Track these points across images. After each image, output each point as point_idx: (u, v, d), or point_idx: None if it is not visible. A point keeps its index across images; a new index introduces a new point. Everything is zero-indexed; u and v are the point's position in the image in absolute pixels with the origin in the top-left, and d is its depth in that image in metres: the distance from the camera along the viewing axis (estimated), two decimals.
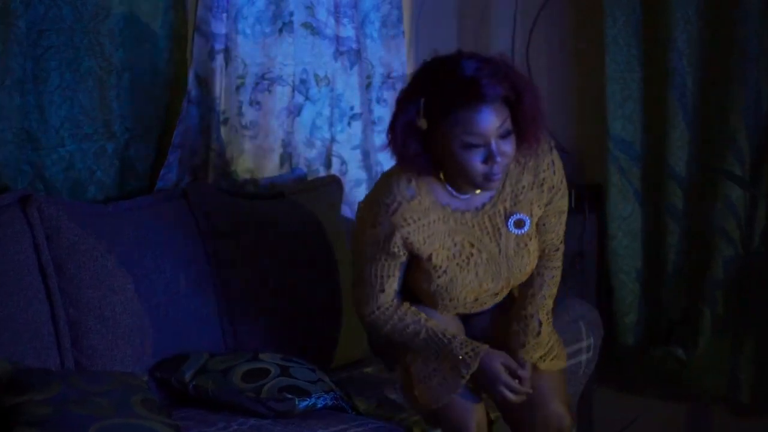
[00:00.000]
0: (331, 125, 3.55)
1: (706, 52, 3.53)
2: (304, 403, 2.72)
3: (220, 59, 3.23)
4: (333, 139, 3.56)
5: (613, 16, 3.58)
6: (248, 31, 3.33)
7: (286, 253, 3.15)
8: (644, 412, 3.73)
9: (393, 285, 2.60)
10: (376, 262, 2.56)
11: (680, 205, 3.58)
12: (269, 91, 3.38)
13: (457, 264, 2.57)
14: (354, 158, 3.63)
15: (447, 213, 2.54)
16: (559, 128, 3.80)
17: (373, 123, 3.68)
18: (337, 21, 3.51)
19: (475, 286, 2.59)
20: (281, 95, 3.40)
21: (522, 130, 2.43)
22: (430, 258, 2.55)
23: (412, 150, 2.45)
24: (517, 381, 2.61)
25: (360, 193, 3.57)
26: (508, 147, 2.41)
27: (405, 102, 2.44)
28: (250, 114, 3.35)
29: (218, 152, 3.30)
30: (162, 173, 3.20)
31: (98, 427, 2.40)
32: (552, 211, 2.62)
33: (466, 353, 2.57)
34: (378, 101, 3.69)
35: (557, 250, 2.69)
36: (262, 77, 3.37)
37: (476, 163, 2.40)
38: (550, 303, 2.69)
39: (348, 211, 3.57)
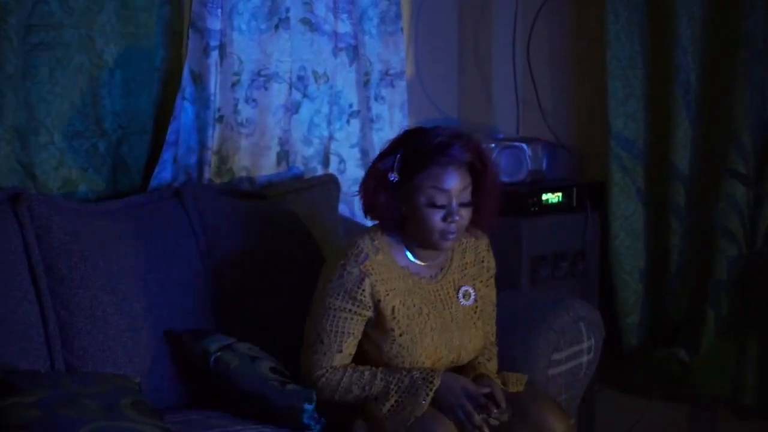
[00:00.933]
0: (329, 123, 3.52)
1: (711, 48, 3.50)
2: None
3: (215, 55, 3.19)
4: (331, 137, 3.54)
5: (616, 12, 3.56)
6: (244, 27, 3.29)
7: (282, 253, 3.11)
8: (647, 415, 3.71)
9: (350, 347, 2.68)
10: (340, 316, 2.65)
11: (683, 203, 3.55)
12: (265, 88, 3.34)
13: (417, 325, 2.69)
14: (352, 156, 3.61)
15: (406, 273, 2.71)
16: (560, 126, 3.85)
17: (372, 121, 3.66)
18: (336, 17, 3.49)
19: (431, 351, 2.70)
20: (278, 92, 3.37)
21: (480, 203, 2.67)
22: (392, 312, 2.67)
23: (382, 199, 2.67)
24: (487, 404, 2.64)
25: None
26: (465, 213, 2.64)
27: (383, 156, 2.69)
28: (246, 111, 3.32)
29: (213, 150, 3.27)
30: (156, 172, 3.16)
31: (87, 430, 2.34)
32: (487, 299, 2.83)
33: (427, 375, 2.62)
34: (376, 98, 3.67)
35: (493, 344, 2.86)
36: (258, 74, 3.34)
37: (437, 219, 2.62)
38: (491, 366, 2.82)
39: (346, 210, 3.55)
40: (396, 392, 2.62)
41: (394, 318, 2.68)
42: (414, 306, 2.70)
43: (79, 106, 3.00)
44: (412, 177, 2.63)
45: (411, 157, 2.63)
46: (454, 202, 2.62)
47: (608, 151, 3.60)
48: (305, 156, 3.49)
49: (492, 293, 2.87)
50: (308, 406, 2.65)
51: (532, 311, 3.08)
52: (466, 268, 2.81)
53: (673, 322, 3.62)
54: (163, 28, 3.17)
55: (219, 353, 2.76)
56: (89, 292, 2.73)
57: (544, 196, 3.62)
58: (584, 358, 3.11)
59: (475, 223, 2.73)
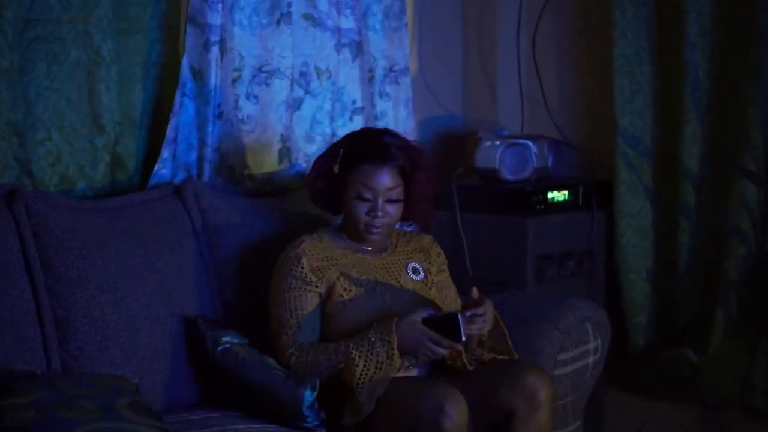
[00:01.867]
0: (332, 120, 3.49)
1: (721, 44, 3.47)
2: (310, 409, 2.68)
3: (215, 51, 3.16)
4: (334, 134, 3.49)
5: (622, 7, 3.52)
6: (245, 22, 3.26)
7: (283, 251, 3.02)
8: (654, 416, 3.70)
9: (311, 323, 2.81)
10: (288, 297, 2.82)
11: (692, 202, 3.53)
12: (267, 84, 3.32)
13: (365, 291, 2.82)
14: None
15: (348, 252, 2.91)
16: (566, 123, 3.81)
17: (376, 118, 3.62)
18: (339, 12, 3.46)
19: (385, 311, 2.78)
20: (280, 88, 3.34)
21: (411, 203, 2.90)
22: (337, 280, 2.82)
23: (320, 186, 2.94)
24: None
25: None
26: (392, 210, 2.86)
27: (331, 149, 2.96)
28: (247, 108, 3.29)
29: (214, 147, 3.24)
30: (155, 169, 3.13)
31: (83, 431, 2.31)
32: (445, 284, 2.98)
33: (382, 332, 2.70)
34: (380, 95, 3.63)
35: None
36: (260, 70, 3.31)
37: (362, 212, 2.85)
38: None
39: None
40: (360, 356, 2.69)
41: (341, 285, 2.82)
42: (359, 275, 2.85)
43: (75, 102, 2.97)
44: (348, 171, 2.85)
45: (352, 154, 2.86)
46: (380, 200, 2.84)
47: (615, 148, 3.57)
48: (308, 153, 3.45)
49: (449, 282, 3.01)
50: (309, 396, 2.64)
51: (537, 311, 3.06)
52: (412, 254, 2.97)
53: (682, 322, 3.60)
54: (160, 23, 3.14)
55: (228, 345, 2.78)
56: (86, 290, 2.71)
57: (550, 194, 3.59)
58: (591, 359, 3.09)
59: (405, 220, 2.99)
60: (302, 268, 2.82)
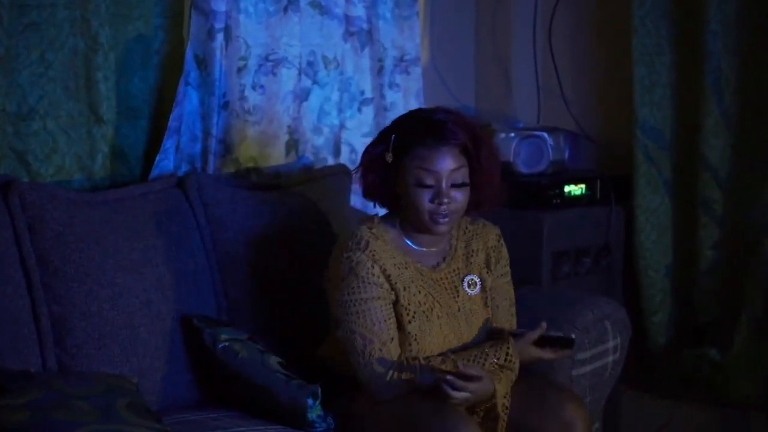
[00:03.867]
0: (340, 111, 3.45)
1: (743, 33, 3.42)
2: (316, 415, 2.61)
3: (220, 39, 3.10)
4: (342, 126, 3.46)
5: None
6: (251, 9, 3.20)
7: (291, 247, 3.03)
8: (675, 418, 3.66)
9: (395, 332, 2.61)
10: (369, 306, 2.59)
11: (714, 196, 3.47)
12: (274, 74, 3.26)
13: (424, 312, 2.64)
14: (365, 146, 3.27)
15: (408, 261, 2.67)
16: (583, 115, 3.78)
17: (385, 109, 3.56)
18: (347, 0, 3.41)
19: (440, 339, 2.64)
20: (287, 78, 3.29)
21: (477, 186, 2.63)
22: (402, 298, 2.62)
23: (372, 179, 2.67)
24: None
25: None
26: (459, 195, 2.60)
27: (379, 137, 2.68)
28: (253, 98, 3.23)
29: (219, 139, 3.19)
30: (157, 161, 3.06)
31: None
32: (500, 291, 2.77)
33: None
34: (390, 86, 3.58)
35: None
36: (266, 59, 3.25)
37: (425, 200, 2.58)
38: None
39: (358, 202, 3.43)
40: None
41: (402, 305, 2.62)
42: (420, 293, 2.65)
43: (72, 91, 2.90)
44: (403, 157, 2.60)
45: (404, 138, 2.61)
46: (444, 183, 2.58)
47: (633, 141, 3.52)
48: (315, 145, 3.41)
49: (506, 286, 2.81)
50: (312, 403, 2.58)
51: (553, 309, 2.99)
52: (471, 257, 2.75)
53: (703, 320, 3.55)
54: (163, 10, 3.07)
55: (228, 343, 2.70)
56: (84, 285, 2.64)
57: (566, 189, 3.54)
58: (609, 358, 3.03)
59: (475, 207, 2.69)
60: (377, 276, 2.59)
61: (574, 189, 3.56)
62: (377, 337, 2.58)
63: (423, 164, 2.57)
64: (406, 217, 2.67)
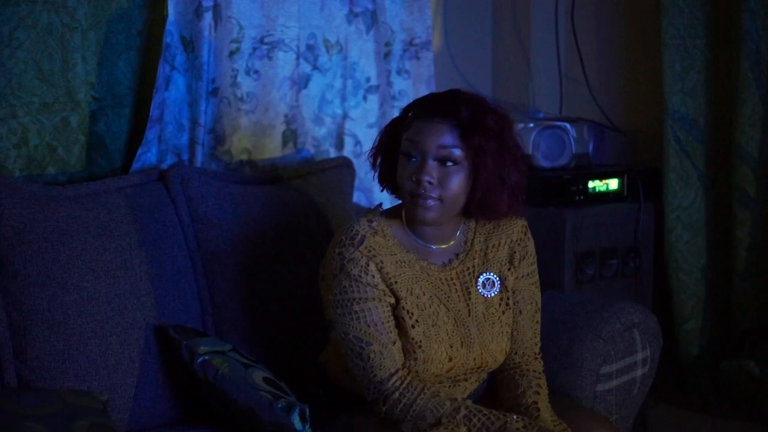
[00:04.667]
0: (343, 99, 3.35)
1: None
2: None
3: (208, 18, 3.00)
4: (345, 116, 3.36)
5: None
6: None
7: (285, 247, 2.88)
8: None
9: (396, 336, 2.40)
10: (367, 307, 2.38)
11: (752, 191, 3.38)
12: (269, 58, 3.18)
13: (429, 316, 2.44)
14: (370, 137, 3.36)
15: (412, 259, 2.46)
16: (609, 104, 3.71)
17: (393, 98, 3.49)
18: None
19: (447, 348, 2.44)
20: (284, 63, 3.19)
21: (478, 184, 2.39)
22: (403, 301, 2.41)
23: (380, 162, 2.49)
24: None
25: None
26: (448, 179, 2.37)
27: (399, 114, 2.49)
28: (246, 84, 3.15)
29: (208, 129, 3.07)
30: (139, 153, 2.92)
31: None
32: (525, 295, 2.56)
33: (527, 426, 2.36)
34: (399, 72, 3.51)
35: (536, 358, 2.58)
36: (261, 41, 3.16)
37: (406, 173, 2.38)
38: (543, 405, 2.51)
39: (363, 199, 3.38)
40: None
41: (404, 308, 2.41)
42: (424, 295, 2.44)
43: (47, 74, 2.76)
44: (405, 132, 2.41)
45: (412, 115, 2.43)
46: (429, 158, 2.35)
47: (664, 132, 3.46)
48: (316, 137, 3.32)
49: (533, 288, 2.57)
50: (298, 425, 2.39)
51: (576, 316, 2.89)
52: (490, 252, 2.52)
53: (740, 329, 3.45)
54: None
55: (207, 357, 2.50)
56: (47, 290, 2.49)
57: (591, 184, 3.46)
58: (638, 372, 2.90)
59: (480, 210, 2.44)
60: (372, 275, 2.37)
61: (599, 185, 3.48)
62: (375, 339, 2.36)
63: (412, 135, 2.37)
64: (405, 208, 2.47)
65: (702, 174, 3.46)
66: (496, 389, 2.55)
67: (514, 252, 2.53)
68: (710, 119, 3.45)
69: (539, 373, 2.53)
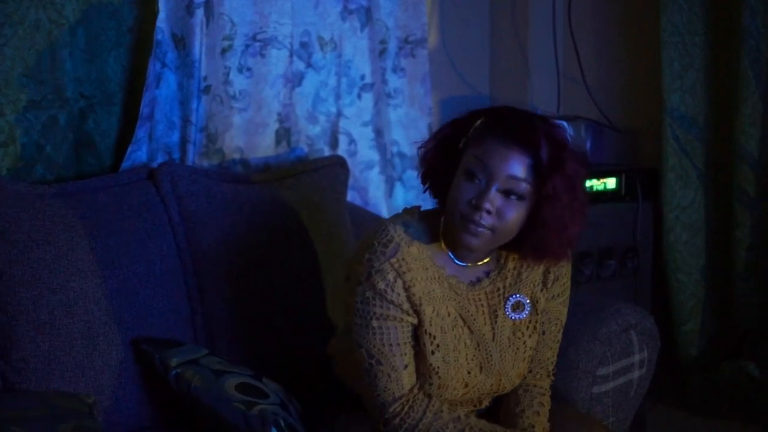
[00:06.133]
0: (337, 97, 3.33)
1: None
2: None
3: (200, 15, 2.95)
4: (340, 114, 3.34)
5: None
6: None
7: (277, 247, 2.85)
8: None
9: (411, 360, 2.31)
10: (387, 325, 2.28)
11: (752, 191, 3.38)
12: (262, 56, 3.14)
13: (450, 341, 2.34)
14: (365, 136, 3.40)
15: (442, 275, 2.35)
16: (607, 102, 3.74)
17: (389, 96, 3.49)
18: None
19: (465, 374, 2.36)
20: (277, 60, 3.15)
21: (542, 225, 2.27)
22: (428, 323, 2.31)
23: (435, 160, 2.34)
24: None
25: (371, 176, 3.40)
26: (507, 211, 2.23)
27: (465, 116, 2.33)
28: (239, 82, 3.11)
29: (199, 127, 3.03)
30: (129, 151, 2.88)
31: None
32: (552, 316, 2.47)
33: None
34: (394, 70, 3.50)
35: (549, 375, 2.52)
36: (254, 39, 3.13)
37: (464, 195, 2.23)
38: (540, 428, 2.43)
39: (357, 198, 3.36)
40: None
41: (427, 331, 2.30)
42: (449, 316, 2.33)
43: (34, 71, 2.71)
44: (472, 147, 2.26)
45: (487, 125, 2.26)
46: (495, 186, 2.20)
47: (663, 130, 3.46)
48: (310, 135, 3.29)
49: (560, 308, 2.47)
50: None
51: (573, 318, 2.72)
52: (524, 272, 2.41)
53: (740, 330, 3.46)
54: None
55: (179, 369, 2.45)
56: (32, 291, 2.40)
57: (588, 183, 3.45)
58: (635, 374, 2.86)
59: (533, 252, 2.31)
60: (398, 293, 2.26)
61: (597, 184, 3.48)
62: (386, 360, 2.27)
63: (481, 155, 2.21)
64: (445, 218, 2.33)
65: (701, 173, 3.46)
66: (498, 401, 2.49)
67: (549, 272, 2.43)
68: (710, 118, 3.45)
69: (544, 389, 2.46)
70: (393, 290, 2.25)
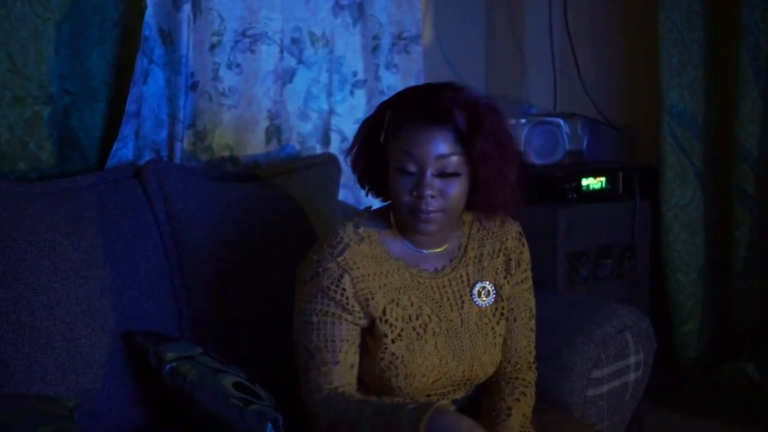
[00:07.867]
0: (329, 94, 3.31)
1: None
2: None
3: (187, 10, 2.93)
4: (332, 111, 3.32)
5: None
6: None
7: (267, 248, 2.79)
8: None
9: (350, 357, 2.31)
10: (325, 321, 2.30)
11: (752, 189, 3.41)
12: (252, 51, 3.12)
13: (414, 329, 2.34)
14: None
15: (401, 266, 2.37)
16: (604, 99, 3.74)
17: (381, 93, 3.44)
18: None
19: (435, 362, 2.35)
20: (267, 56, 3.13)
21: (479, 187, 2.30)
22: (384, 314, 2.31)
23: (363, 162, 2.37)
24: None
25: None
26: (449, 189, 2.26)
27: (376, 112, 2.36)
28: (228, 78, 3.08)
29: (187, 124, 3.01)
30: (115, 149, 2.83)
31: None
32: (519, 302, 2.49)
33: (415, 409, 2.21)
34: (387, 67, 3.47)
35: (530, 367, 2.51)
36: (243, 34, 3.10)
37: (405, 190, 2.26)
38: (517, 411, 2.40)
39: (349, 197, 3.32)
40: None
41: (386, 321, 2.31)
42: (411, 305, 2.34)
43: (19, 66, 2.67)
44: (393, 138, 2.27)
45: (397, 115, 2.28)
46: (429, 171, 2.22)
47: (661, 128, 3.47)
48: (301, 133, 3.27)
49: (527, 295, 2.49)
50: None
51: (568, 318, 2.83)
52: (484, 260, 2.44)
53: (739, 331, 3.49)
54: None
55: (175, 363, 2.41)
56: (12, 291, 2.36)
57: (585, 182, 3.46)
58: (631, 376, 2.83)
59: (483, 210, 2.37)
60: (344, 290, 2.28)
61: (593, 182, 3.48)
62: (320, 354, 2.28)
63: (406, 146, 2.23)
64: (397, 214, 2.35)
65: (700, 171, 3.50)
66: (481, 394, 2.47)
67: (510, 259, 2.45)
68: (708, 115, 3.47)
69: (528, 382, 2.44)
70: (338, 287, 2.28)
